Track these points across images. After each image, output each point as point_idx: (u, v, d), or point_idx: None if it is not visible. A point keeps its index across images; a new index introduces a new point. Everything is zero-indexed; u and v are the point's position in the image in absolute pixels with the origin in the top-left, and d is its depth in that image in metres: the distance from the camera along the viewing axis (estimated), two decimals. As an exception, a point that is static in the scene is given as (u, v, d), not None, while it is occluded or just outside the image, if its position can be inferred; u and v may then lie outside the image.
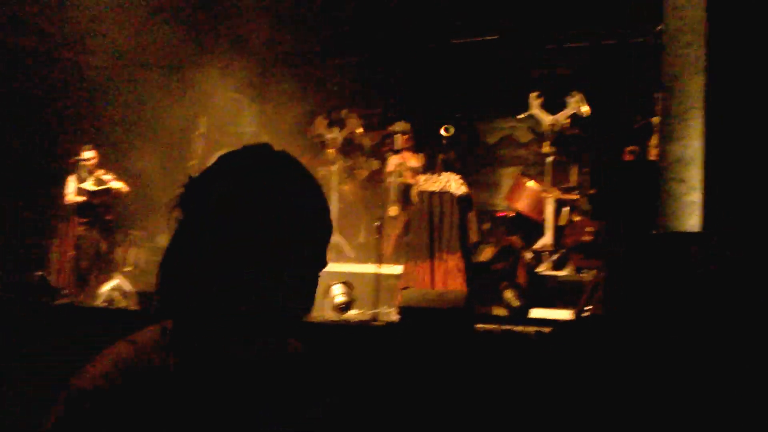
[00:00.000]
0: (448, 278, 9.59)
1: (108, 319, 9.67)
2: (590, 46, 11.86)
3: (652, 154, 9.96)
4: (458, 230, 9.79)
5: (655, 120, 10.27)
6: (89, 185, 11.07)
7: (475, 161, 12.55)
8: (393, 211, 11.06)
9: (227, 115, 14.47)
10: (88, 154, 11.17)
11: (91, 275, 11.08)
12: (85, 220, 11.07)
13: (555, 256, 10.72)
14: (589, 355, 7.03)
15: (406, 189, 11.18)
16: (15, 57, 12.37)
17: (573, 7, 11.31)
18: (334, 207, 12.39)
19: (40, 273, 10.81)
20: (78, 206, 11.14)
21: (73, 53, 12.55)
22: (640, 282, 6.94)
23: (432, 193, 9.78)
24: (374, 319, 8.83)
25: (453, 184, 9.84)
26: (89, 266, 11.05)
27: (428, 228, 9.69)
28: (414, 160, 11.33)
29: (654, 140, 10.07)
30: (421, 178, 9.91)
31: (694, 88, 7.07)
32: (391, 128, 11.51)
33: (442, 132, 10.49)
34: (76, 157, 11.16)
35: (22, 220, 12.20)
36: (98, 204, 11.08)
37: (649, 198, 8.04)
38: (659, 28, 7.95)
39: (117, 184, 11.15)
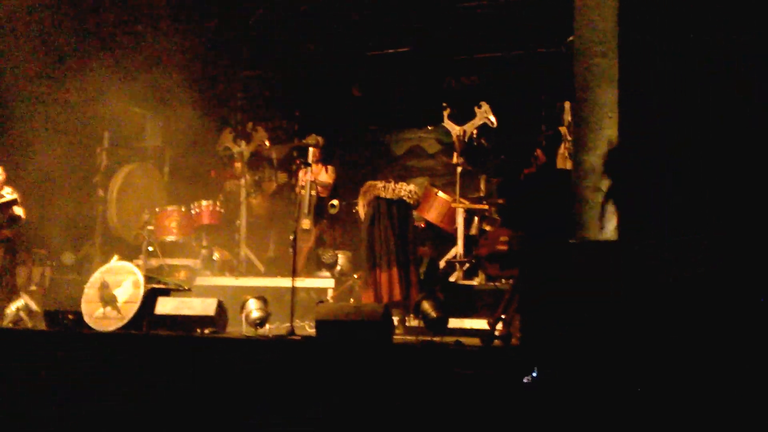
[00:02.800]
0: (403, 289, 9.59)
1: (15, 339, 9.46)
2: (499, 57, 11.99)
3: (560, 162, 10.10)
4: (409, 240, 9.81)
5: (563, 129, 10.44)
6: None
7: (383, 173, 12.57)
8: (305, 224, 11.01)
9: (131, 129, 14.28)
10: None
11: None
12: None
13: (466, 266, 10.81)
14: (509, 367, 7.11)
15: (318, 202, 11.17)
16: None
17: (482, 19, 11.44)
18: (243, 221, 12.31)
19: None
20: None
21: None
22: (557, 290, 7.03)
23: (389, 201, 9.76)
24: (291, 332, 8.77)
25: (405, 193, 9.85)
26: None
27: (388, 236, 9.66)
28: (325, 174, 11.32)
29: (562, 149, 10.22)
30: (379, 184, 9.88)
31: (606, 98, 7.19)
32: (304, 141, 11.46)
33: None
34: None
35: None
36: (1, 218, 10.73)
37: (558, 206, 8.17)
38: (570, 39, 8.08)
39: (18, 210, 10.79)
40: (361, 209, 10.10)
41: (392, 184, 9.90)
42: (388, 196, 9.79)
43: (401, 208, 9.82)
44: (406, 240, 9.77)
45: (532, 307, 7.33)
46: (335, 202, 11.13)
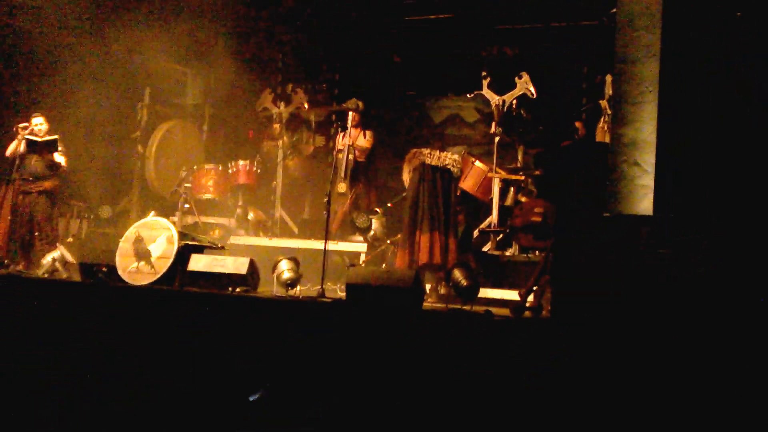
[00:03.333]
0: (442, 253, 9.60)
1: (50, 290, 9.56)
2: (540, 28, 11.86)
3: (600, 136, 10.03)
4: (451, 208, 9.82)
5: (603, 102, 10.36)
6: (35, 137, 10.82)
7: (422, 140, 12.53)
8: (341, 188, 11.01)
9: (171, 87, 14.33)
10: (37, 120, 10.90)
11: (31, 245, 10.88)
12: (24, 186, 10.81)
13: (500, 236, 10.78)
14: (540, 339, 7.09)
15: (355, 166, 11.16)
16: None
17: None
18: (279, 182, 12.35)
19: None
20: (19, 169, 10.85)
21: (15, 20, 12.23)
22: (589, 263, 7.00)
23: (434, 168, 9.77)
24: (321, 295, 8.81)
25: (450, 162, 9.86)
26: (27, 235, 10.84)
27: (432, 201, 9.67)
28: (363, 139, 11.30)
29: (601, 122, 10.15)
30: (425, 151, 9.89)
31: (648, 72, 7.13)
32: (344, 105, 11.45)
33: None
34: (24, 124, 10.86)
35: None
36: (42, 168, 10.82)
37: (596, 180, 8.12)
38: (613, 11, 8.00)
39: (59, 157, 10.89)
40: (406, 174, 10.11)
41: (437, 152, 9.89)
42: (434, 163, 9.78)
43: (445, 177, 9.81)
44: (449, 208, 9.75)
45: (563, 279, 7.32)
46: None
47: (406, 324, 7.60)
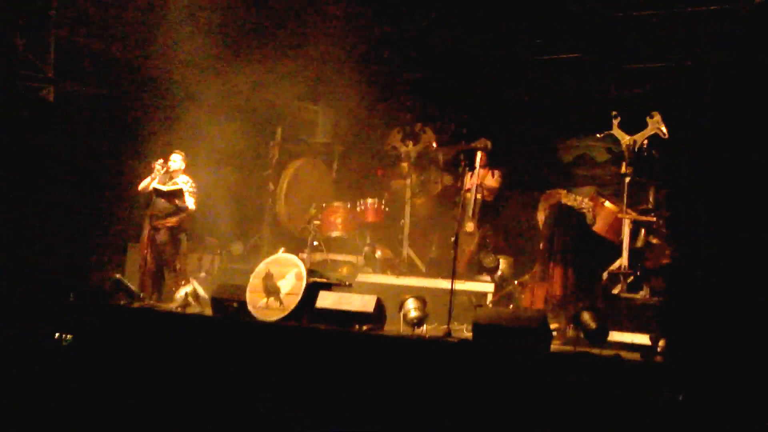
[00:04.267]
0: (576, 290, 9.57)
1: (183, 324, 9.78)
2: (670, 67, 11.67)
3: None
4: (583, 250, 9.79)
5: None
6: (162, 185, 11.14)
7: (551, 180, 12.43)
8: (469, 227, 11.03)
9: (302, 125, 14.57)
10: (175, 157, 11.25)
11: (162, 278, 11.18)
12: (154, 222, 11.13)
13: (630, 278, 10.58)
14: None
15: (483, 205, 11.14)
16: (96, 61, 12.57)
17: (652, 29, 11.16)
18: (406, 221, 12.38)
19: (116, 275, 10.92)
20: (150, 206, 11.19)
21: (159, 62, 12.65)
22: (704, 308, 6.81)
23: (570, 209, 9.79)
24: (448, 334, 8.77)
25: (586, 206, 9.86)
26: (158, 270, 11.14)
27: (566, 239, 9.67)
28: (491, 178, 11.28)
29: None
30: (562, 191, 9.93)
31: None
32: (472, 144, 11.47)
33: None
34: (160, 161, 11.21)
35: (102, 222, 12.40)
36: (169, 206, 11.12)
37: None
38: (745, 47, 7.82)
39: (188, 200, 11.15)
40: (542, 213, 10.08)
41: (574, 195, 9.84)
42: (570, 203, 9.74)
43: (580, 219, 9.75)
44: (581, 250, 9.67)
45: (676, 324, 7.16)
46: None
47: (534, 366, 7.52)
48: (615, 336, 9.02)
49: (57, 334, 9.35)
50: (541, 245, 9.82)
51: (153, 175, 11.22)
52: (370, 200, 12.30)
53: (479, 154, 11.21)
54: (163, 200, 11.14)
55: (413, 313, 9.19)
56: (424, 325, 9.16)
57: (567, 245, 9.59)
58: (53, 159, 11.59)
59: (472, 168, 11.28)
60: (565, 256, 9.54)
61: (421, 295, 9.50)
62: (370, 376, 7.87)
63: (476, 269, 11.05)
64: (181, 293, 10.56)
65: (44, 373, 8.93)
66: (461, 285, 10.27)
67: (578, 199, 9.83)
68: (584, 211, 9.80)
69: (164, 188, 11.11)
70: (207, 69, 12.57)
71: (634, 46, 11.63)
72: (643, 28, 11.29)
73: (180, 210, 11.15)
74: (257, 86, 13.18)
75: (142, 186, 11.30)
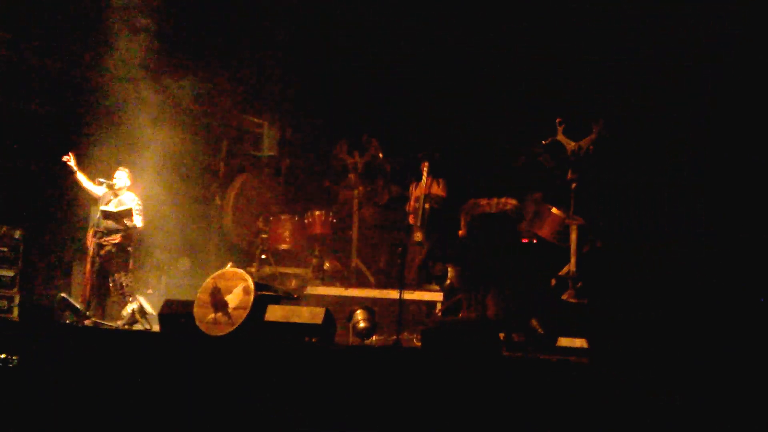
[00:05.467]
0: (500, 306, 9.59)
1: (130, 341, 9.70)
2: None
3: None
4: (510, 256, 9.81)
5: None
6: (109, 206, 10.98)
7: (494, 187, 12.47)
8: (417, 237, 11.03)
9: (247, 140, 14.52)
10: (120, 174, 11.10)
11: (106, 296, 11.03)
12: (99, 239, 10.97)
13: (579, 284, 10.63)
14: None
15: (431, 215, 11.15)
16: (38, 78, 12.45)
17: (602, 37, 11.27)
18: (354, 232, 12.36)
19: (62, 294, 10.78)
20: (95, 223, 11.04)
21: (97, 75, 12.53)
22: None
23: (491, 217, 9.80)
24: (397, 344, 8.77)
25: (509, 207, 9.87)
26: (102, 287, 10.99)
27: (488, 254, 9.71)
28: (437, 187, 11.31)
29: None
30: (483, 201, 9.91)
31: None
32: (420, 155, 11.49)
33: None
34: (105, 181, 11.04)
35: (46, 240, 12.26)
36: (116, 225, 10.97)
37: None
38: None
39: (136, 218, 10.99)
40: (464, 226, 10.09)
41: (496, 200, 9.84)
42: (492, 211, 9.75)
43: (504, 223, 9.76)
44: (508, 256, 9.70)
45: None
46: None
47: (483, 372, 7.54)
48: (563, 341, 9.07)
49: (3, 355, 9.20)
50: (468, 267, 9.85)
51: (96, 192, 11.07)
52: (317, 212, 12.26)
53: (425, 164, 11.23)
54: (110, 221, 10.96)
55: (362, 324, 9.19)
56: (374, 336, 9.16)
57: (491, 264, 9.62)
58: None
59: (419, 178, 11.28)
60: (488, 277, 9.58)
61: (369, 306, 9.49)
62: (321, 387, 7.85)
63: (425, 278, 11.05)
64: (127, 310, 10.48)
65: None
66: (410, 295, 10.29)
67: (501, 202, 9.83)
68: (508, 211, 9.80)
69: (113, 209, 10.92)
70: (146, 80, 12.41)
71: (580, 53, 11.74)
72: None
73: (127, 228, 10.99)
74: (199, 98, 13.06)
75: (86, 187, 11.12)
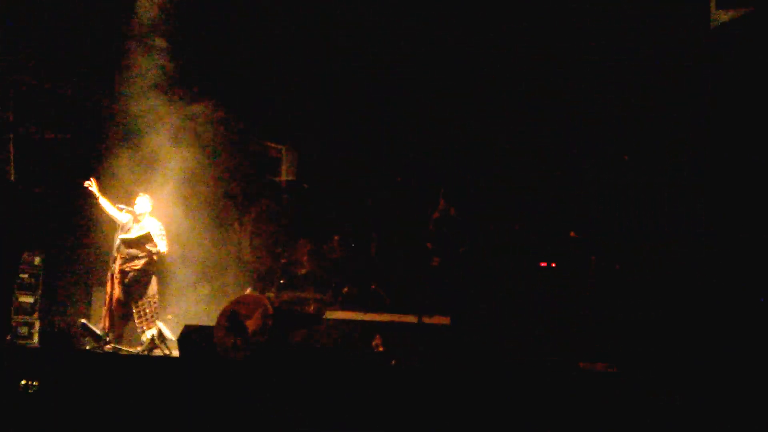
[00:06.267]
0: None
1: (150, 367, 9.72)
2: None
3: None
4: None
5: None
6: (130, 234, 11.01)
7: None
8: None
9: (266, 164, 14.56)
10: (141, 201, 11.16)
11: (126, 320, 11.06)
12: (123, 266, 11.00)
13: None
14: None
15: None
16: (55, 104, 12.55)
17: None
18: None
19: (82, 320, 10.81)
20: (119, 249, 11.07)
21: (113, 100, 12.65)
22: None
23: None
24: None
25: None
26: (128, 313, 11.02)
27: None
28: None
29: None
30: None
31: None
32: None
33: None
34: (125, 207, 11.08)
35: (67, 266, 12.33)
36: (138, 252, 10.99)
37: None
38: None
39: (160, 244, 11.02)
40: None
41: None
42: None
43: None
44: None
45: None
46: None
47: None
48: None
49: (23, 381, 9.23)
50: None
51: (119, 218, 11.10)
52: (336, 236, 12.28)
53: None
54: (133, 248, 11.01)
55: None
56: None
57: None
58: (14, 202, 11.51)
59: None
60: None
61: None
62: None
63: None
64: (147, 335, 10.52)
65: (10, 422, 8.82)
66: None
67: None
68: None
69: (132, 236, 10.98)
70: (163, 103, 12.45)
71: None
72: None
73: (151, 254, 11.01)
74: (216, 123, 13.10)
75: (107, 210, 11.17)
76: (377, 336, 9.53)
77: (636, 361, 6.74)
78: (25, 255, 11.41)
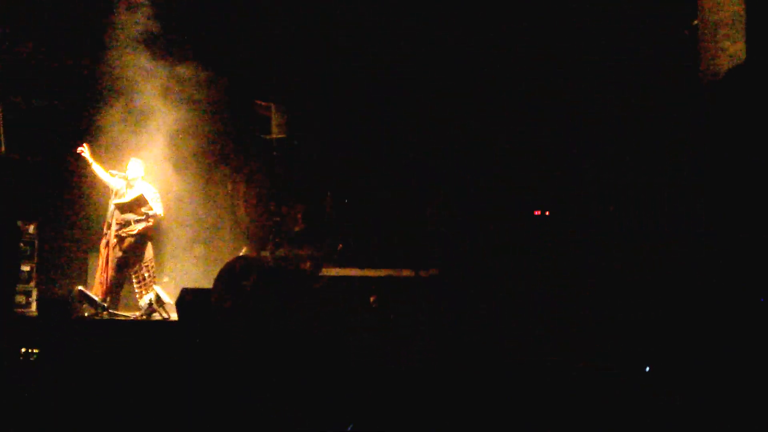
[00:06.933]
0: None
1: (148, 330, 9.75)
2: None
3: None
4: None
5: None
6: (121, 200, 10.99)
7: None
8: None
9: (257, 121, 14.51)
10: (133, 165, 11.14)
11: (120, 286, 11.07)
12: (119, 232, 10.99)
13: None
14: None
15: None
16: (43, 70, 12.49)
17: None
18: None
19: (79, 287, 10.82)
20: (113, 217, 11.05)
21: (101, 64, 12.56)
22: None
23: None
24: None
25: None
26: (120, 277, 11.03)
27: None
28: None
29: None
30: None
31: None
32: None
33: None
34: (118, 172, 11.07)
35: (61, 234, 12.33)
36: (134, 216, 10.98)
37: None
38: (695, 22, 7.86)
39: (157, 206, 11.01)
40: None
41: None
42: None
43: None
44: None
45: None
46: None
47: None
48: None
49: (23, 350, 9.27)
50: None
51: (112, 184, 11.07)
52: (329, 193, 12.27)
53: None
54: (127, 213, 10.99)
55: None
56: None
57: None
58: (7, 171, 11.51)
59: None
60: None
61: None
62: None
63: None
64: (145, 300, 10.54)
65: (11, 390, 8.86)
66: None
67: None
68: None
69: (125, 200, 10.97)
70: (150, 62, 12.36)
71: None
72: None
73: (148, 217, 11.00)
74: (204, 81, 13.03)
75: (101, 177, 11.15)
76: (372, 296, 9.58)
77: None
78: (20, 224, 11.40)
